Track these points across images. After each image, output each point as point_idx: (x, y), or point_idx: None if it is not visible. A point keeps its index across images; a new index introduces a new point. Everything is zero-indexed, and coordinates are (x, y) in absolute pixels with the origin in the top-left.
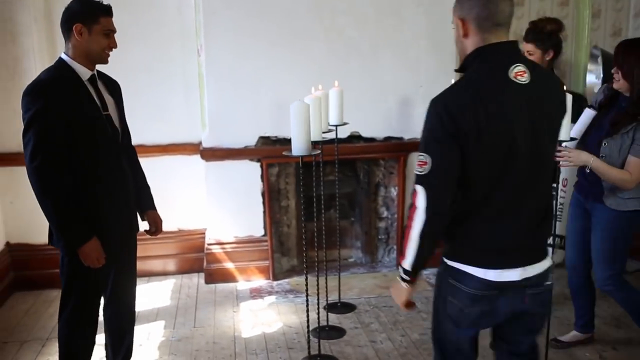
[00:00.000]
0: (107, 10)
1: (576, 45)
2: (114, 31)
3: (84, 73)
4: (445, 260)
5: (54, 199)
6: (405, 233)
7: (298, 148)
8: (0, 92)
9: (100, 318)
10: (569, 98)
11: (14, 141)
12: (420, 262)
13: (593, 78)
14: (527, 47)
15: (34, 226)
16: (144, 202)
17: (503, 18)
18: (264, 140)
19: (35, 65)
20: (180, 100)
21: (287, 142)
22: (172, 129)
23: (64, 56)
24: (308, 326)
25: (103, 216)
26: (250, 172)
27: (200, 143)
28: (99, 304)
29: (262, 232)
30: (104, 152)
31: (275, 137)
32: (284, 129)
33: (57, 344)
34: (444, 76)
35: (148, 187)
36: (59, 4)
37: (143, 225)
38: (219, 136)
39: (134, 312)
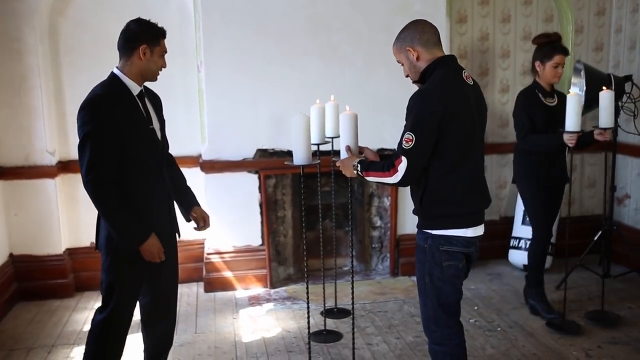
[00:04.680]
0: (165, 33)
1: None
2: (166, 52)
3: (135, 88)
4: (431, 232)
5: (112, 205)
6: (378, 171)
7: (299, 158)
8: (7, 109)
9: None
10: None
11: (20, 155)
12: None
13: (577, 90)
14: (562, 60)
15: (37, 238)
16: (190, 200)
17: (437, 39)
18: (262, 152)
19: (40, 83)
20: (180, 115)
21: (284, 154)
22: (172, 142)
23: (116, 71)
24: (309, 329)
25: (148, 221)
26: (248, 184)
27: (199, 156)
28: (134, 308)
29: (260, 242)
30: (149, 163)
31: (273, 149)
32: (281, 142)
33: (62, 351)
34: None
35: (189, 187)
36: (64, 25)
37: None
38: (218, 149)
39: (175, 313)
